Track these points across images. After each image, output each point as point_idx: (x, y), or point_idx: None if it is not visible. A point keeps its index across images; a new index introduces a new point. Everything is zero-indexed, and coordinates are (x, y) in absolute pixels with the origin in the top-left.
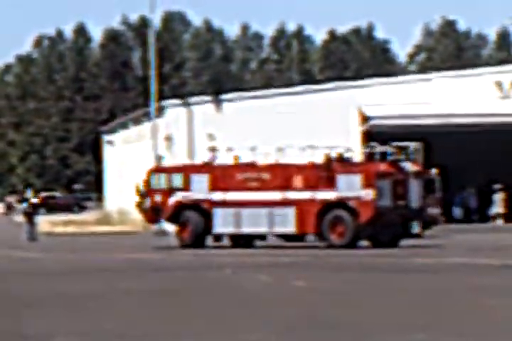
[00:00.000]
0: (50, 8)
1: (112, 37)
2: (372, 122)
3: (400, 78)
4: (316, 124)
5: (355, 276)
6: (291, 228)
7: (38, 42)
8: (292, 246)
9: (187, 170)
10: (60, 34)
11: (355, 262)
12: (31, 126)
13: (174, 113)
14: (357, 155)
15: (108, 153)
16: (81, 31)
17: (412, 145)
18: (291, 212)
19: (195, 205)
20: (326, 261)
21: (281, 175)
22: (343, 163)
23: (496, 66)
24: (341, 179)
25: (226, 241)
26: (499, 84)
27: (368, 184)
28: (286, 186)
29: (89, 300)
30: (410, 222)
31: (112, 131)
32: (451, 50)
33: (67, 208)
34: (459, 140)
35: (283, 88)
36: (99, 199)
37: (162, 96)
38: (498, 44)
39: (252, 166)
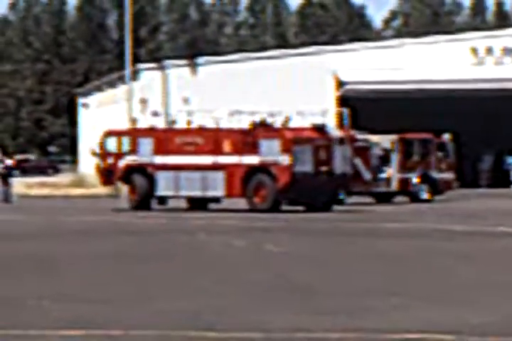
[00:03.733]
0: None
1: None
2: (347, 87)
3: (375, 43)
4: (291, 89)
5: (328, 241)
6: (220, 192)
7: (13, 5)
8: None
9: (134, 134)
10: None
11: (328, 227)
12: (6, 88)
13: (149, 76)
14: (331, 119)
15: (83, 116)
16: None
17: (345, 110)
18: (220, 176)
19: (141, 168)
20: (299, 226)
21: (212, 140)
22: (266, 128)
23: (471, 32)
24: (263, 144)
25: (170, 204)
26: (474, 51)
27: (285, 149)
28: (217, 151)
29: (58, 262)
30: (336, 188)
31: (87, 93)
32: (426, 16)
33: (41, 170)
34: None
35: (258, 52)
36: (74, 161)
37: (138, 60)
38: (473, 10)
39: (188, 131)
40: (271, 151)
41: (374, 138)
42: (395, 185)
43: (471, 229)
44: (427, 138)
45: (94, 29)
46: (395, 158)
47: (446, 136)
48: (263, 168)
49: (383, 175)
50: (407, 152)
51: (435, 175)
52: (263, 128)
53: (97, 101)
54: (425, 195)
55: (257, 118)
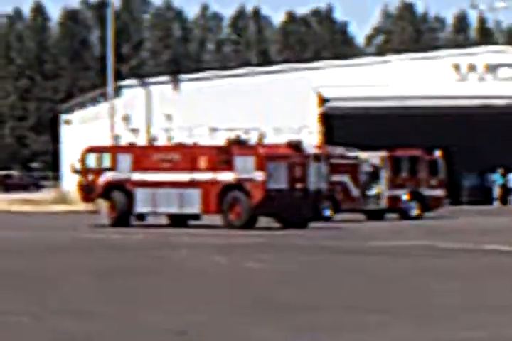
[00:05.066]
0: None
1: (71, 16)
2: (330, 104)
3: (358, 60)
4: (274, 105)
5: (309, 258)
6: (196, 208)
7: None
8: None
9: (114, 151)
10: (18, 13)
11: (306, 243)
12: None
13: (132, 93)
14: (315, 136)
15: (65, 133)
16: (39, 10)
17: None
18: (196, 193)
19: (120, 185)
20: (280, 243)
21: (189, 156)
22: (241, 145)
23: (454, 49)
24: (238, 161)
25: (150, 221)
26: (457, 67)
27: (259, 166)
28: (193, 167)
29: (38, 278)
30: (318, 205)
31: (70, 110)
32: (409, 32)
33: (24, 187)
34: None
35: (240, 69)
36: (56, 178)
37: (120, 76)
38: (455, 27)
39: (165, 147)
40: (246, 168)
41: (363, 154)
42: (384, 202)
43: (456, 245)
44: (416, 155)
45: (77, 45)
46: (384, 175)
47: (437, 153)
48: (238, 185)
49: (373, 192)
50: (396, 169)
51: (425, 191)
52: (238, 145)
53: (79, 117)
54: (415, 212)
55: (233, 135)
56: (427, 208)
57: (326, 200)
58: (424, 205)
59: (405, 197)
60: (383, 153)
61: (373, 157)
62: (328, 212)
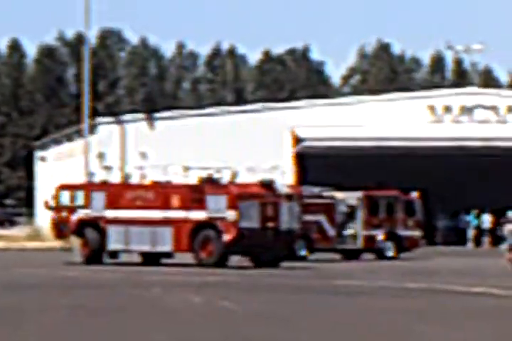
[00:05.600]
0: None
1: (47, 53)
2: (305, 144)
3: (334, 100)
4: (249, 144)
5: (280, 297)
6: (168, 246)
7: None
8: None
9: (87, 188)
10: None
11: (285, 283)
12: None
13: (107, 130)
14: (289, 176)
15: (40, 169)
16: (15, 46)
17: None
18: (168, 231)
19: (93, 222)
20: (252, 282)
21: (161, 195)
22: (213, 184)
23: (430, 90)
24: (210, 200)
25: (122, 258)
26: (432, 108)
27: (231, 205)
28: (165, 206)
29: (10, 315)
30: (291, 244)
31: (45, 147)
32: (385, 72)
33: None
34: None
35: (216, 107)
36: (30, 214)
37: (96, 114)
38: (432, 68)
39: (138, 185)
40: (218, 207)
41: (339, 194)
42: (360, 242)
43: (424, 286)
44: (393, 195)
45: (53, 82)
46: (361, 215)
47: (414, 194)
48: (210, 224)
49: (349, 232)
50: (372, 209)
51: (401, 232)
52: (211, 184)
53: (54, 154)
54: (391, 253)
55: (205, 174)
56: (404, 249)
57: (300, 240)
58: (400, 246)
59: (381, 237)
60: (359, 194)
61: (350, 197)
62: (303, 252)
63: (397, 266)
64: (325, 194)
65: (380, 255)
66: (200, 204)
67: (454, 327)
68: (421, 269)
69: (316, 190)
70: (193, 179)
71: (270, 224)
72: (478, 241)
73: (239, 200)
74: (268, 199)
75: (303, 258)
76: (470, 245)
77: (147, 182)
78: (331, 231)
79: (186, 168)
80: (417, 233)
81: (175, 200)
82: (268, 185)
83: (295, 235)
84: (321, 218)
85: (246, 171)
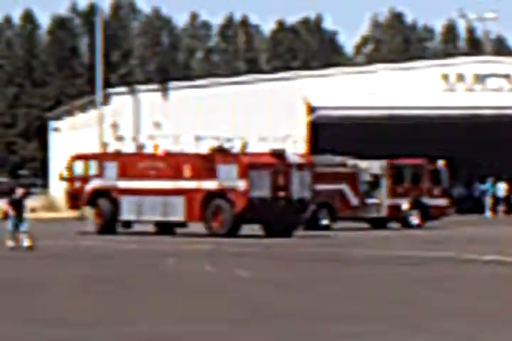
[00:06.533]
0: None
1: (60, 23)
2: (318, 112)
3: (347, 69)
4: (262, 114)
5: (298, 266)
6: (180, 216)
7: None
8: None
9: (100, 158)
10: (8, 20)
11: (298, 252)
12: None
13: (120, 101)
14: (302, 145)
15: (54, 140)
16: (29, 17)
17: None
18: (180, 201)
19: (106, 192)
20: (268, 251)
21: (173, 164)
22: (224, 153)
23: (442, 59)
24: (221, 169)
25: (135, 228)
26: (445, 77)
27: (242, 175)
28: (177, 175)
29: (28, 286)
30: (294, 213)
31: (59, 117)
32: (398, 42)
33: (12, 193)
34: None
35: (229, 77)
36: (45, 185)
37: (109, 84)
38: (444, 37)
39: (149, 155)
40: (228, 176)
41: (363, 163)
42: (384, 211)
43: (438, 255)
44: (418, 164)
45: (66, 53)
46: (385, 184)
47: (441, 163)
48: (221, 193)
49: (373, 201)
50: (397, 178)
51: (427, 201)
52: (221, 153)
53: (68, 125)
54: (416, 221)
55: (216, 144)
56: (429, 217)
57: (323, 208)
58: (426, 214)
59: (405, 206)
60: (383, 162)
61: (373, 166)
62: (325, 221)
63: (417, 235)
64: (348, 162)
65: (405, 224)
66: (211, 174)
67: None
68: (441, 238)
69: (338, 158)
70: (204, 148)
71: (281, 194)
72: (494, 210)
73: (250, 170)
74: (279, 168)
75: (326, 227)
76: (488, 213)
77: (160, 151)
78: (354, 200)
79: (198, 138)
80: (443, 202)
81: (186, 170)
82: (279, 155)
83: (307, 204)
84: (344, 187)
85: (258, 140)
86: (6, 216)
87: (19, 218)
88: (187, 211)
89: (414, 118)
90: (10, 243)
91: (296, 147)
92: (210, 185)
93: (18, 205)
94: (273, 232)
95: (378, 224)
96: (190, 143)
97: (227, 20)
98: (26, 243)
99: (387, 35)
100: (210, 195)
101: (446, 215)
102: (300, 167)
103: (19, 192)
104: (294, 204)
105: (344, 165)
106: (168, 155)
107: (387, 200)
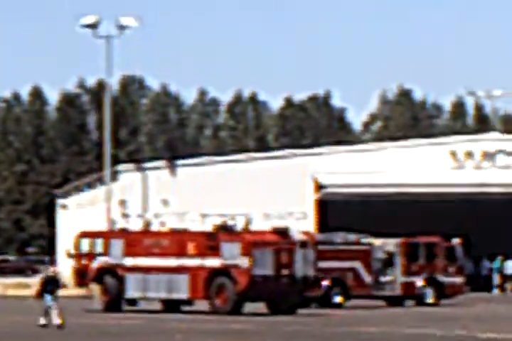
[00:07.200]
0: (7, 70)
1: (68, 100)
2: (327, 190)
3: (355, 147)
4: (270, 191)
5: None
6: (184, 294)
7: None
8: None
9: (106, 236)
10: (16, 97)
11: (309, 330)
12: None
13: (129, 177)
14: (310, 222)
15: (61, 217)
16: (37, 94)
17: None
18: (184, 278)
19: (112, 270)
20: (274, 329)
21: (177, 242)
22: (228, 231)
23: (451, 136)
24: (225, 247)
25: (141, 306)
26: (454, 154)
27: (245, 252)
28: (181, 253)
29: None
30: (297, 291)
31: (67, 194)
32: (406, 119)
33: (20, 271)
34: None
35: (237, 154)
36: (52, 262)
37: (117, 161)
38: (453, 114)
39: (154, 233)
40: (232, 254)
41: (377, 241)
42: (399, 289)
43: (442, 333)
44: (432, 242)
45: (74, 130)
46: (399, 261)
47: (456, 240)
48: (224, 271)
49: (386, 279)
50: (411, 255)
51: (442, 278)
52: (225, 231)
53: (75, 202)
54: (431, 299)
55: (220, 221)
56: (444, 295)
57: (336, 287)
58: (441, 292)
59: (420, 283)
60: (397, 240)
61: (387, 243)
62: (338, 298)
63: (428, 313)
64: (362, 240)
65: (420, 301)
66: (215, 252)
67: None
68: (454, 316)
69: (352, 236)
70: (209, 226)
71: (285, 271)
72: (502, 288)
73: (253, 248)
74: (282, 246)
75: (338, 305)
76: (496, 291)
77: (166, 229)
78: (367, 278)
79: (203, 215)
80: (458, 279)
81: (190, 248)
82: (282, 232)
83: (310, 282)
84: (357, 264)
85: (263, 217)
86: (40, 294)
87: (52, 296)
88: (191, 288)
89: (422, 196)
90: (42, 320)
91: (299, 224)
92: (214, 262)
93: (51, 283)
94: (277, 310)
95: (394, 301)
96: (196, 220)
97: (236, 97)
98: (58, 321)
99: (396, 112)
100: (214, 273)
101: (462, 293)
102: (303, 244)
103: (51, 270)
104: (297, 281)
105: (358, 242)
106: (172, 232)
107: (401, 278)
